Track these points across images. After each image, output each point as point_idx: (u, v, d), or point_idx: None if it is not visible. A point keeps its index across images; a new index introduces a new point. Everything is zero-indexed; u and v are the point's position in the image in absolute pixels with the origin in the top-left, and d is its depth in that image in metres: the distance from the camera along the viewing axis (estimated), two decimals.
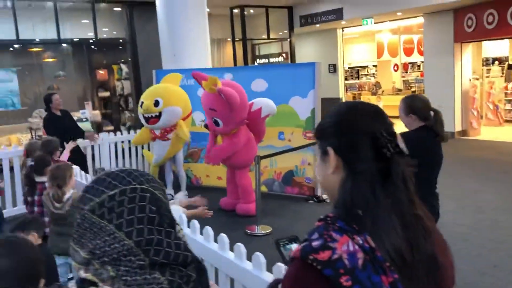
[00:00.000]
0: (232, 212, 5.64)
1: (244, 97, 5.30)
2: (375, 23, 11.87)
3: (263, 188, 6.13)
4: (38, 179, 3.82)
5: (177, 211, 2.64)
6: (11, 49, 10.64)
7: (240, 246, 2.03)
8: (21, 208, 5.77)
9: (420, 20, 11.71)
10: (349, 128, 1.05)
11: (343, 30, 13.59)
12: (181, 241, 0.98)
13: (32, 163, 3.95)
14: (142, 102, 5.94)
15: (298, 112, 6.22)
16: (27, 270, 1.11)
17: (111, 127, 11.00)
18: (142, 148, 7.35)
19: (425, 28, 11.32)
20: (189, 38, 7.47)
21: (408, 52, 17.11)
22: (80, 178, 3.78)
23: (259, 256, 1.92)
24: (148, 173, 1.05)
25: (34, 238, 2.58)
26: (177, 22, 7.44)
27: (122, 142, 7.32)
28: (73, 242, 0.97)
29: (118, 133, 7.48)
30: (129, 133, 7.57)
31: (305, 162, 6.26)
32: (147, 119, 5.98)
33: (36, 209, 3.82)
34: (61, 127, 5.78)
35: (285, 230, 5.06)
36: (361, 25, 12.20)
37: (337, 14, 11.59)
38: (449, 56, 10.58)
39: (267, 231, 5.02)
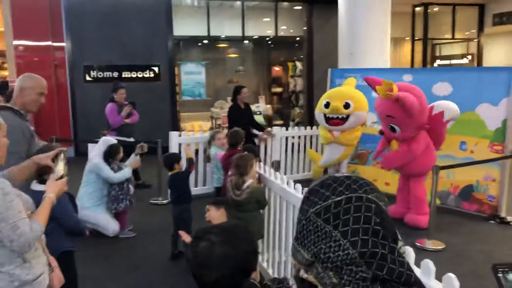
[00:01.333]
0: (400, 221, 5.36)
1: (423, 101, 4.94)
2: None
3: (436, 201, 5.68)
4: None
5: None
6: (200, 44, 11.82)
7: (429, 262, 1.88)
8: (203, 188, 6.41)
9: None
10: None
11: None
12: (405, 259, 0.92)
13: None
14: (328, 102, 5.93)
15: (486, 122, 5.60)
16: (243, 262, 1.16)
17: (281, 122, 11.46)
18: (311, 146, 7.45)
19: None
20: (368, 37, 7.30)
21: None
22: (258, 168, 3.97)
23: (452, 279, 1.75)
24: (372, 182, 1.01)
25: (222, 213, 2.86)
26: (358, 20, 7.33)
27: (293, 137, 7.54)
28: (296, 241, 0.98)
29: (290, 128, 7.73)
30: (299, 128, 7.74)
31: (488, 178, 5.61)
32: (328, 119, 5.98)
33: None
34: (242, 118, 6.19)
35: (460, 249, 4.62)
36: None
37: None
38: None
39: (439, 247, 4.64)
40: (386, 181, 6.61)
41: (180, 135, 6.51)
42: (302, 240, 0.96)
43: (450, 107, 5.15)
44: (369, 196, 0.94)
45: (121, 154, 5.00)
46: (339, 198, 0.94)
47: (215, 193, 5.08)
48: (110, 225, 4.99)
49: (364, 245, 0.89)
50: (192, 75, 10.53)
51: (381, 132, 5.28)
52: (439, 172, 4.83)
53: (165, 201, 6.20)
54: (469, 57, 12.23)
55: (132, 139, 6.65)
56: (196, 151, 6.57)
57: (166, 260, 4.37)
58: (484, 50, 12.04)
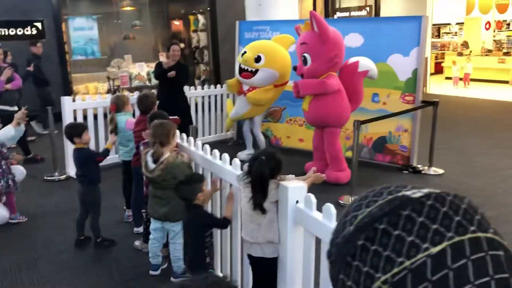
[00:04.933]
0: None
1: (338, 35, 4.90)
2: None
3: (349, 154, 5.64)
4: None
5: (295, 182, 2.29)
6: None
7: (330, 207, 2.00)
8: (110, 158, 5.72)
9: None
10: None
11: None
12: None
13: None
14: (245, 52, 5.58)
15: (397, 72, 5.59)
16: None
17: None
18: (228, 96, 7.01)
19: None
20: None
21: (502, 9, 15.45)
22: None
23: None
24: (472, 202, 0.52)
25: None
26: None
27: (203, 97, 7.07)
28: None
29: (199, 88, 7.22)
30: (209, 88, 7.28)
31: (400, 129, 5.68)
32: (241, 71, 5.62)
33: None
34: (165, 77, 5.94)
35: None
36: None
37: None
38: None
39: None
40: (300, 137, 6.48)
41: (74, 100, 5.70)
42: None
43: (365, 62, 5.06)
44: (489, 235, 0.49)
45: None
46: (438, 249, 0.47)
47: (123, 167, 4.40)
48: None
49: None
50: (83, 31, 9.38)
51: (294, 68, 5.07)
52: (350, 125, 4.72)
53: (62, 177, 5.46)
54: (367, 9, 12.43)
55: (15, 108, 5.69)
56: (95, 116, 5.83)
57: (71, 249, 3.77)
58: (381, 2, 12.30)
